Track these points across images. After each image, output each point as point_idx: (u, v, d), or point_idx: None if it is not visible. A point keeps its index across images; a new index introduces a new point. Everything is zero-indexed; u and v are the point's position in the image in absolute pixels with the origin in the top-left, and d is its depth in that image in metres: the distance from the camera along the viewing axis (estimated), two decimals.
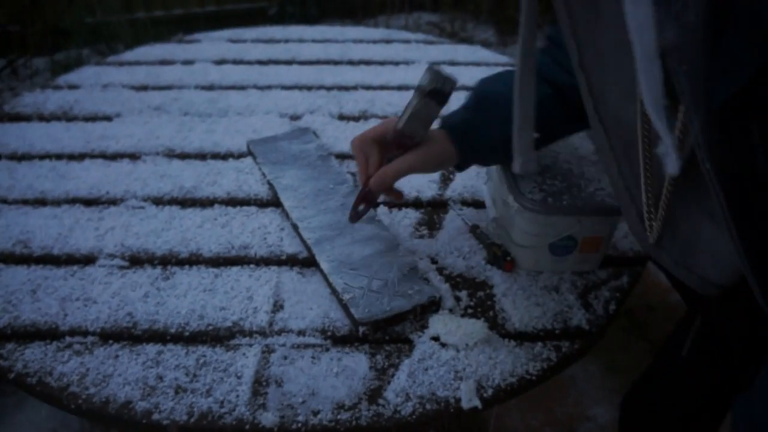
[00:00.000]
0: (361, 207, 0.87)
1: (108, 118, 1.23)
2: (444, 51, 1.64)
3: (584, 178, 0.88)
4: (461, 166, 0.85)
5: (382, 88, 1.39)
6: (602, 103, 0.55)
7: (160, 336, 0.81)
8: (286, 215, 0.98)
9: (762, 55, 0.40)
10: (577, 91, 0.65)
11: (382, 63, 1.54)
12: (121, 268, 0.90)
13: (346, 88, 1.38)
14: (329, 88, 1.38)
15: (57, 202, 1.02)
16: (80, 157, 1.12)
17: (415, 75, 1.45)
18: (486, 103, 0.81)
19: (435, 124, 0.80)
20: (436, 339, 0.81)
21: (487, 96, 0.81)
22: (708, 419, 0.94)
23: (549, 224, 0.85)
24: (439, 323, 0.81)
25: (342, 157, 1.15)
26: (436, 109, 0.75)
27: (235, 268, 0.90)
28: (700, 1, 0.38)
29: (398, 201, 0.90)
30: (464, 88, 0.92)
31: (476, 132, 0.80)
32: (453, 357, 0.78)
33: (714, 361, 0.85)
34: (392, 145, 0.79)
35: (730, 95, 0.42)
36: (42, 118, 1.24)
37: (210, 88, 1.37)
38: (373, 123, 1.24)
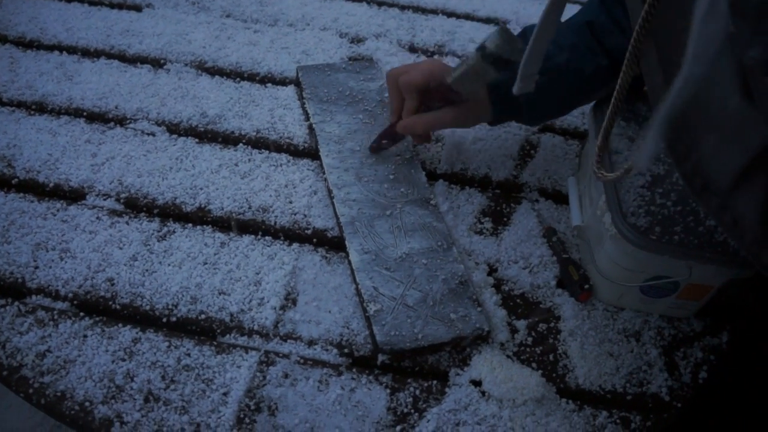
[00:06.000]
0: (384, 142, 0.80)
1: (137, 8, 1.03)
2: None
3: None
4: (493, 124, 0.81)
5: (467, 17, 1.14)
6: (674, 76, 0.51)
7: (141, 316, 0.66)
8: (323, 174, 0.79)
9: None
10: None
11: None
12: (113, 213, 0.74)
13: (423, 11, 1.14)
14: (404, 7, 1.14)
15: (56, 111, 0.85)
16: (95, 54, 0.94)
17: (508, 6, 1.20)
18: None
19: None
20: (476, 383, 0.64)
21: None
22: None
23: (649, 262, 0.65)
24: (485, 364, 0.64)
25: None
26: (494, 75, 0.66)
27: (247, 238, 0.73)
28: None
29: (423, 144, 0.83)
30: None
31: (521, 98, 0.71)
32: (494, 414, 0.62)
33: None
34: (435, 95, 0.73)
35: None
36: None
37: None
38: (450, 61, 1.02)
